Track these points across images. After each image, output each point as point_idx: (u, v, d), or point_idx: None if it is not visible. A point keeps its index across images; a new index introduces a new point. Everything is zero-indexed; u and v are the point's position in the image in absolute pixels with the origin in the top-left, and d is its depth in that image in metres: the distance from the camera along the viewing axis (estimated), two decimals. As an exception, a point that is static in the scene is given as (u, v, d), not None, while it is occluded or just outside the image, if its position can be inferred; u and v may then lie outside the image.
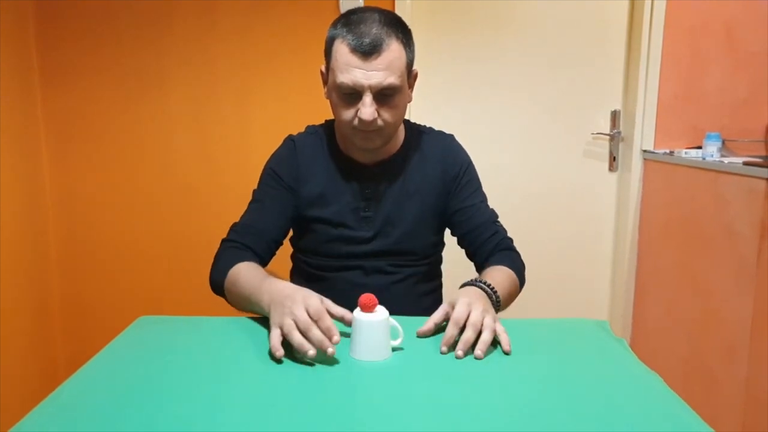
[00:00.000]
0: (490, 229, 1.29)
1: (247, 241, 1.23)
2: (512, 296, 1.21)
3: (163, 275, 2.33)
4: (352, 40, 1.09)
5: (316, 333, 0.90)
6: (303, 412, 0.77)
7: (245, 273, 1.12)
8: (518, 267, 1.26)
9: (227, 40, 2.22)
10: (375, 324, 0.93)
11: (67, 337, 2.35)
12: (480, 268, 1.28)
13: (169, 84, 2.24)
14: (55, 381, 1.73)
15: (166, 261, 2.33)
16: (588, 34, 2.30)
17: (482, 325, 0.96)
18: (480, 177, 1.35)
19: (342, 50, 1.11)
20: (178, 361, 0.92)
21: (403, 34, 1.14)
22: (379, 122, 1.15)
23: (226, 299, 1.18)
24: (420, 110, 2.29)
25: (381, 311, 0.94)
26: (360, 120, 1.13)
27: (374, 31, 1.09)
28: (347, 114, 1.15)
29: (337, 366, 0.91)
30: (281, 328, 0.92)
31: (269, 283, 1.04)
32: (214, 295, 1.20)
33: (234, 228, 1.26)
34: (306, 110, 2.18)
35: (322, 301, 0.96)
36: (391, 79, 1.11)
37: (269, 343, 0.93)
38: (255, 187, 1.31)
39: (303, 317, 0.91)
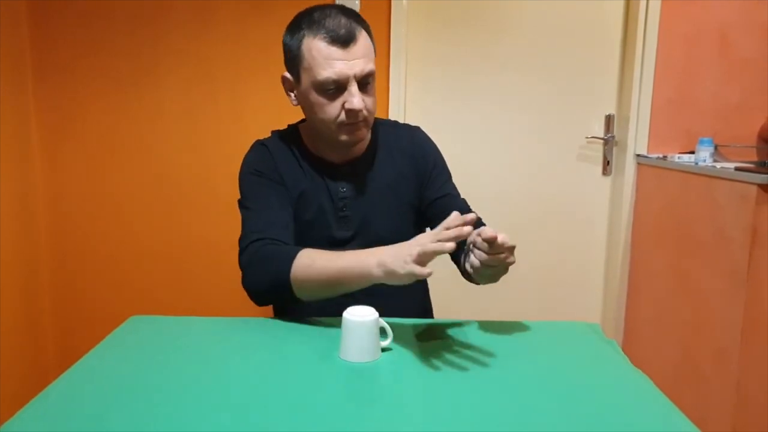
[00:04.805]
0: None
1: (275, 235, 1.13)
2: None
3: (155, 275, 2.32)
4: (327, 34, 1.09)
5: (446, 234, 0.90)
6: (294, 413, 0.77)
7: (317, 258, 1.05)
8: None
9: (222, 40, 2.22)
10: (365, 325, 0.92)
11: (58, 336, 2.34)
12: (459, 255, 1.21)
13: (164, 83, 2.24)
14: (45, 380, 1.72)
15: (158, 260, 2.31)
16: (583, 38, 2.32)
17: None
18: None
19: (318, 46, 1.10)
20: (169, 361, 0.92)
21: (365, 23, 1.16)
22: (365, 111, 1.14)
23: (294, 295, 1.07)
24: (413, 113, 2.29)
25: (370, 312, 0.94)
26: (349, 111, 1.12)
27: (343, 22, 1.10)
28: (332, 110, 1.13)
29: (328, 367, 0.91)
30: (421, 256, 0.90)
31: (356, 252, 1.02)
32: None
33: (251, 230, 1.15)
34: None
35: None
36: (371, 66, 1.13)
37: (432, 251, 0.90)
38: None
39: (425, 239, 0.91)
